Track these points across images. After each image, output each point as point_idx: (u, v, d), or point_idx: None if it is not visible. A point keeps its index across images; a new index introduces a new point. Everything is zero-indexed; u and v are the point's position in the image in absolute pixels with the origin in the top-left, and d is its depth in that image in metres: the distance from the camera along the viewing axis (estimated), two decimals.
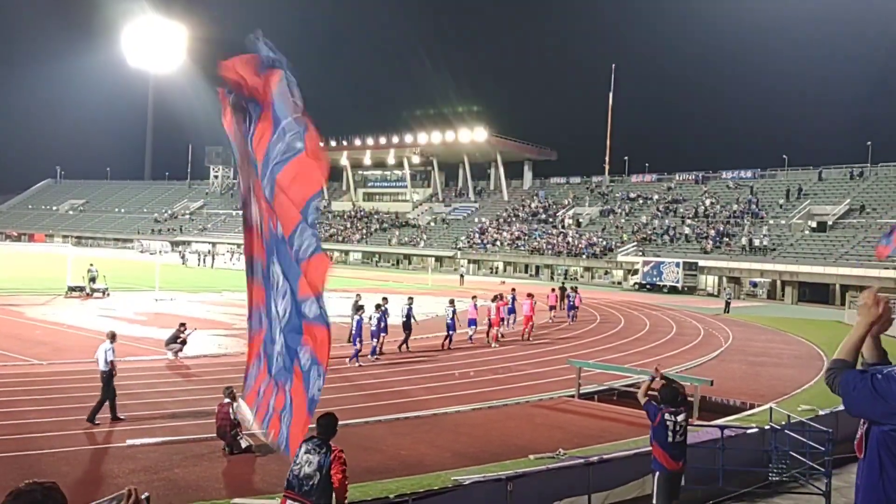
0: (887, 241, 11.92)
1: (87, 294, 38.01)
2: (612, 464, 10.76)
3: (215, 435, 12.75)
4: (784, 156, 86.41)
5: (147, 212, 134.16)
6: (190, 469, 11.54)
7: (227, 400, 12.93)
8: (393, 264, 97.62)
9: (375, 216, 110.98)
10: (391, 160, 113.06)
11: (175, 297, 39.87)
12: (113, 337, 15.00)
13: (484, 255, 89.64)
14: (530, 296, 30.64)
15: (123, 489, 3.56)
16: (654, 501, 9.15)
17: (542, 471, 10.41)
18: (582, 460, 10.87)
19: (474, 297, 29.40)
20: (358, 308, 23.20)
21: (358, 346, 22.14)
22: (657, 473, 9.10)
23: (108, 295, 38.33)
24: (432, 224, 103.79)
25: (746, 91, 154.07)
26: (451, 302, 26.66)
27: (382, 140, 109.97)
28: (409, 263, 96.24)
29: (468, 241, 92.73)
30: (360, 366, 21.60)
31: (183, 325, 21.97)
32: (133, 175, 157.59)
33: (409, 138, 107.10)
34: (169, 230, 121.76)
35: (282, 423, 6.34)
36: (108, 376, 14.25)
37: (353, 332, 22.48)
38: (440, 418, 15.81)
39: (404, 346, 24.93)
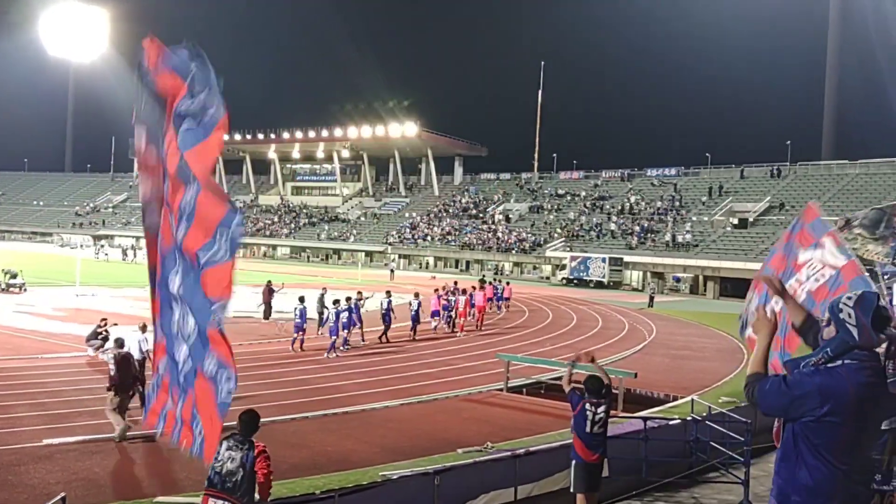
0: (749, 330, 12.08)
1: (2, 289, 36.66)
2: (538, 456, 10.88)
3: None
4: (707, 154, 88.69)
5: (68, 205, 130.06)
6: (111, 468, 11.25)
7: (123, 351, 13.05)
8: (322, 259, 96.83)
9: (304, 210, 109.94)
10: (320, 154, 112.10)
11: (97, 292, 38.78)
12: (144, 328, 15.42)
13: (414, 251, 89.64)
14: (481, 288, 33.75)
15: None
16: (571, 489, 9.40)
17: (470, 464, 10.46)
18: (509, 453, 10.96)
19: (436, 290, 31.29)
20: (334, 302, 23.74)
21: (335, 337, 22.83)
22: (574, 462, 9.33)
23: (25, 290, 37.04)
24: (362, 219, 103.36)
25: (671, 91, 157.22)
26: (416, 295, 28.02)
27: (312, 133, 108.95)
28: (339, 258, 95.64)
29: (399, 236, 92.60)
30: (336, 356, 22.36)
31: (104, 320, 21.38)
32: (53, 167, 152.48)
33: (338, 132, 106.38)
34: (91, 224, 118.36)
35: (193, 432, 6.43)
36: (142, 365, 14.73)
37: (333, 324, 22.98)
38: (368, 414, 15.75)
39: (384, 336, 25.93)
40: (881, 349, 3.71)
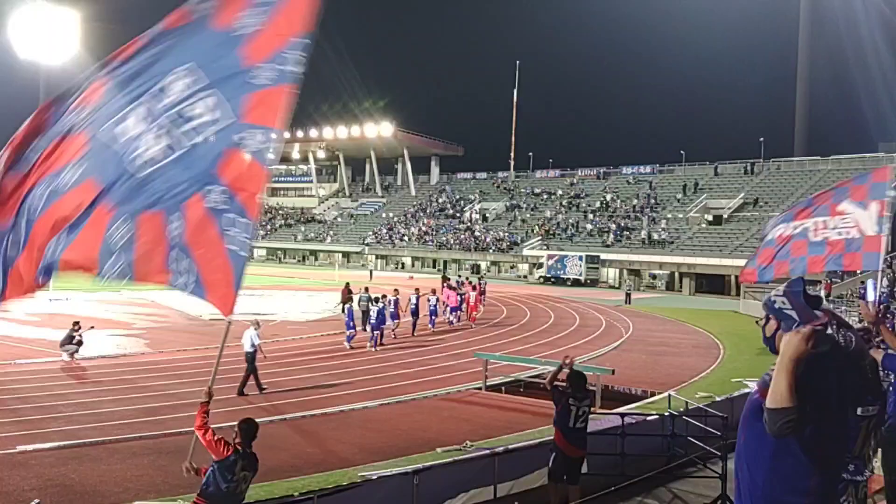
0: (752, 263, 11.89)
1: None
2: (517, 454, 10.89)
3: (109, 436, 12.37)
4: (681, 151, 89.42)
5: None
6: (87, 473, 11.13)
7: None
8: (299, 261, 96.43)
9: (280, 211, 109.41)
10: (296, 155, 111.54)
11: (70, 296, 38.32)
12: (258, 324, 18.10)
13: (391, 251, 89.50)
14: (475, 287, 35.42)
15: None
16: (548, 477, 9.56)
17: (449, 463, 10.46)
18: (488, 451, 10.97)
19: (453, 288, 33.72)
20: (375, 300, 26.03)
21: (377, 332, 25.06)
22: (554, 454, 9.46)
23: None
24: (339, 219, 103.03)
25: (645, 89, 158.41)
26: (434, 292, 31.49)
27: (287, 134, 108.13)
28: (316, 260, 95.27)
29: (375, 237, 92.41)
30: (375, 350, 24.43)
31: (76, 324, 21.15)
32: None
33: (314, 133, 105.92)
34: None
35: (170, 267, 5.79)
36: (252, 356, 17.20)
37: (373, 321, 25.11)
38: (347, 414, 15.71)
39: (414, 330, 28.73)
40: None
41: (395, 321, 27.60)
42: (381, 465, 11.10)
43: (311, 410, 15.69)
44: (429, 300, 30.56)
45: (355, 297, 28.80)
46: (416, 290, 30.11)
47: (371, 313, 25.44)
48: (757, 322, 4.02)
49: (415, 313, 28.88)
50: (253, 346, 17.29)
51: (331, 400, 16.84)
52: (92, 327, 22.23)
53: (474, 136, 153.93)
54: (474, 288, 34.69)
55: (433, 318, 30.53)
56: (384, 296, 26.89)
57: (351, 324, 25.23)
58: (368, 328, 25.55)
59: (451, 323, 31.73)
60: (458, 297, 32.60)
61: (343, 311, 28.95)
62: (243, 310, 31.87)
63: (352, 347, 24.67)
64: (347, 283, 32.41)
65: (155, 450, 12.35)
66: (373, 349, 24.44)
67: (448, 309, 32.07)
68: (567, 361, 10.40)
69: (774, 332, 3.75)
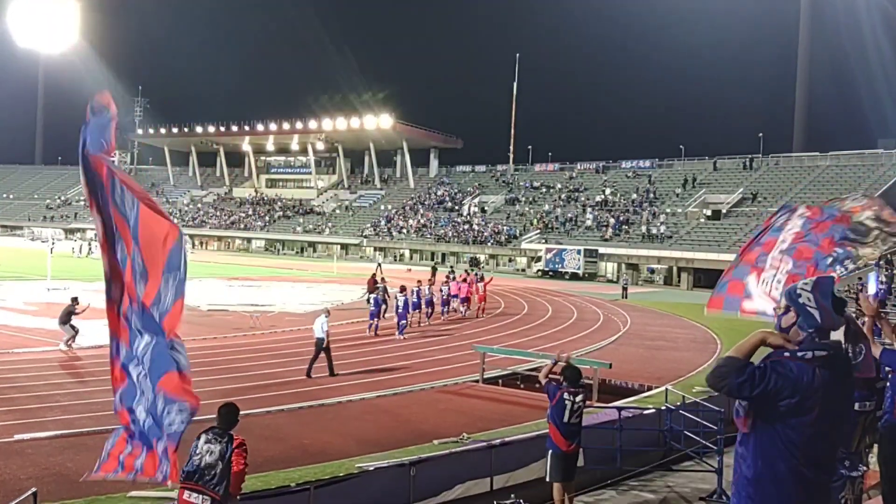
0: (720, 290, 9.38)
1: None
2: (513, 446, 10.92)
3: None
4: (681, 146, 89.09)
5: (38, 198, 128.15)
6: (83, 463, 11.10)
7: None
8: (297, 252, 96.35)
9: (279, 203, 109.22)
10: (295, 146, 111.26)
11: (69, 285, 38.27)
12: (328, 312, 19.72)
13: (390, 243, 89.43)
14: (482, 279, 36.73)
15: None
16: (548, 479, 9.50)
17: (446, 455, 10.48)
18: (485, 443, 10.99)
19: (463, 280, 34.82)
20: (401, 290, 26.82)
21: (404, 321, 25.94)
22: (550, 452, 9.39)
23: None
24: (337, 211, 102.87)
25: (645, 84, 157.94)
26: (446, 282, 33.67)
27: (286, 125, 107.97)
28: (314, 251, 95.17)
29: (374, 229, 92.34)
30: (404, 339, 25.23)
31: (75, 299, 21.19)
32: (22, 159, 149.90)
33: (313, 124, 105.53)
34: (62, 217, 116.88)
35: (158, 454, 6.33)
36: (321, 342, 18.48)
37: (402, 310, 25.93)
38: (345, 406, 15.72)
39: (427, 320, 30.24)
40: (840, 332, 3.80)
41: (418, 311, 29.00)
42: (378, 456, 11.11)
43: (308, 401, 15.70)
44: (441, 290, 32.33)
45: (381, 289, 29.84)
46: (430, 280, 31.91)
47: (398, 303, 26.27)
48: (774, 309, 4.03)
49: (430, 303, 30.13)
50: (323, 331, 18.46)
51: (328, 391, 16.84)
52: (88, 305, 22.00)
53: (473, 128, 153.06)
54: (480, 279, 35.94)
55: (445, 308, 32.04)
56: (403, 287, 27.65)
57: (376, 312, 26.25)
58: (395, 317, 26.56)
59: (462, 313, 32.89)
60: (470, 290, 33.69)
61: (368, 300, 29.88)
62: (243, 300, 32.11)
63: (376, 335, 25.62)
64: (374, 274, 33.49)
65: None
66: (400, 337, 25.30)
67: (460, 300, 33.24)
68: (564, 356, 10.41)
69: (791, 324, 3.75)
